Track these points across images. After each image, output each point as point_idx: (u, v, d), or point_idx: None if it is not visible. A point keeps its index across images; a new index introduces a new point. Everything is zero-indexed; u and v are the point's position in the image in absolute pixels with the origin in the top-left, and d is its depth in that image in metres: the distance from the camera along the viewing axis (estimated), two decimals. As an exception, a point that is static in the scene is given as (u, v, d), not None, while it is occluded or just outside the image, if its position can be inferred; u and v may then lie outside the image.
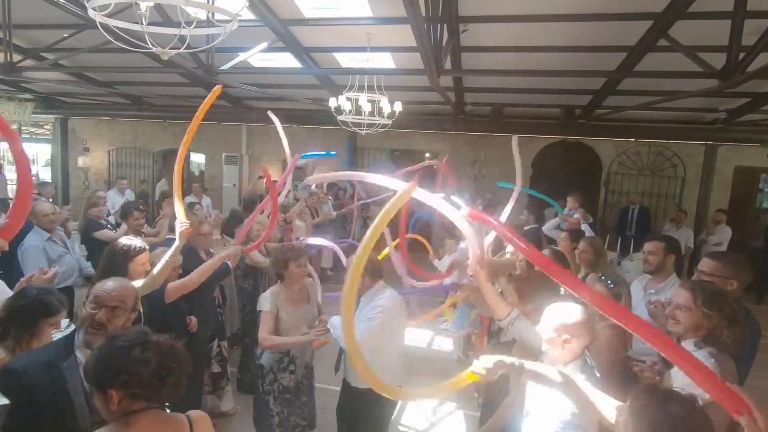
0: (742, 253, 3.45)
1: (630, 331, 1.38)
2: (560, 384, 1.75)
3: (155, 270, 2.46)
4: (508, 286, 2.56)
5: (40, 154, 13.99)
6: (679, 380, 1.92)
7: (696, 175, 8.78)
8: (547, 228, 5.55)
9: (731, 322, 1.86)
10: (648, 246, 3.01)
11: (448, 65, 5.53)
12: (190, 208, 5.03)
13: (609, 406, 1.66)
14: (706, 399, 1.82)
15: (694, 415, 1.26)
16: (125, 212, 4.47)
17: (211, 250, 3.62)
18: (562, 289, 2.87)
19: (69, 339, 1.72)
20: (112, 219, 5.26)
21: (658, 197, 9.13)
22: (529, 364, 1.79)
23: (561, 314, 1.89)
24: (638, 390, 1.35)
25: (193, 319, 3.03)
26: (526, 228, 5.88)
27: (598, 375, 1.90)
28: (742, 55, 4.23)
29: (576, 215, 5.31)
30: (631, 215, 8.37)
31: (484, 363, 1.68)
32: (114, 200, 7.15)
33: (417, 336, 5.42)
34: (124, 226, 4.44)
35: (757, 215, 9.51)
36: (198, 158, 12.11)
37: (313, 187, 7.89)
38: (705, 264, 2.41)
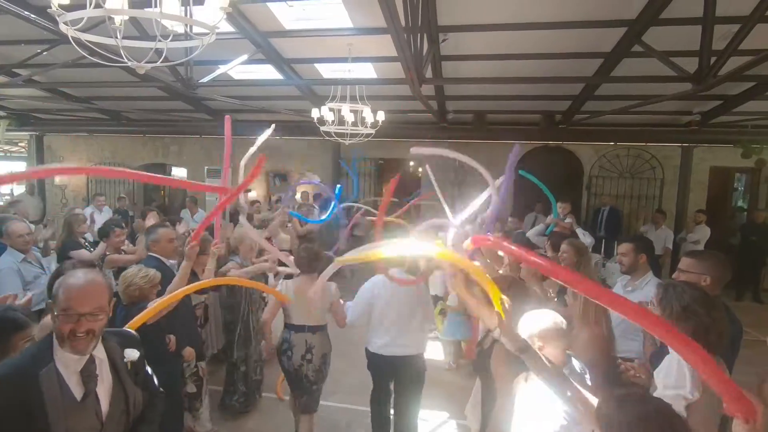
0: (720, 251, 3.55)
1: (631, 320, 1.33)
2: (553, 375, 1.73)
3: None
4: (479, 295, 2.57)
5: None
6: (661, 380, 1.93)
7: (674, 176, 8.99)
8: (532, 234, 5.59)
9: (678, 319, 1.86)
10: (620, 248, 3.22)
11: (429, 74, 5.57)
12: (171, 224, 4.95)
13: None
14: (689, 399, 1.84)
15: (656, 415, 1.26)
16: (106, 230, 4.37)
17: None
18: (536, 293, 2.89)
19: (46, 344, 1.58)
20: (89, 236, 5.12)
21: (639, 199, 9.31)
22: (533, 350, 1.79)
23: (531, 322, 1.93)
24: (602, 399, 1.36)
25: (172, 337, 2.95)
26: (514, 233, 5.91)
27: (589, 382, 1.89)
28: (713, 59, 4.36)
29: (568, 220, 5.39)
30: (601, 216, 8.45)
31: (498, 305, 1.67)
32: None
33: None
34: (101, 246, 4.33)
35: (733, 214, 9.76)
36: (180, 172, 11.94)
37: (298, 197, 7.83)
38: (682, 262, 2.57)
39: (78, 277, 1.58)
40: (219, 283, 3.31)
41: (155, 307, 2.34)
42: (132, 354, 1.74)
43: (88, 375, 1.58)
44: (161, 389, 1.92)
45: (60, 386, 1.52)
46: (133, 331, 1.91)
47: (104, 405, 1.62)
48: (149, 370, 1.90)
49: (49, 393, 1.49)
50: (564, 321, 1.94)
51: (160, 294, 2.76)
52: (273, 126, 3.59)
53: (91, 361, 1.60)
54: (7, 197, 10.76)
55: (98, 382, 1.61)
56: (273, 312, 3.34)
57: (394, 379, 3.32)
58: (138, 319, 2.21)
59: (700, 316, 1.82)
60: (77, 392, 1.55)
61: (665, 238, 7.60)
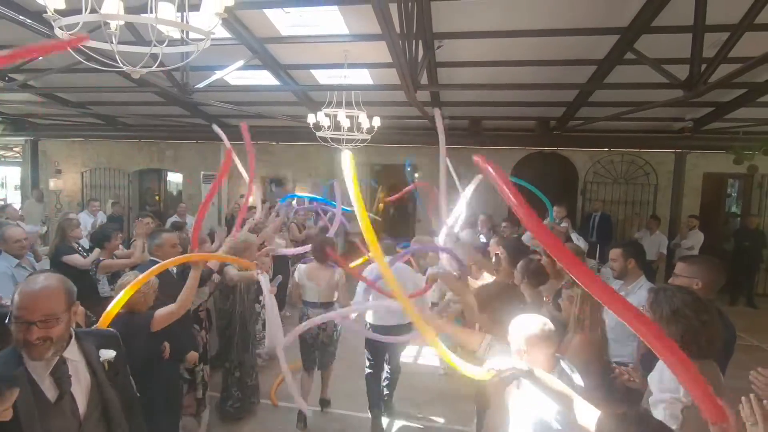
0: (714, 256, 3.58)
1: (622, 320, 1.34)
2: (560, 395, 1.73)
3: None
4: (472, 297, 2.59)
5: (10, 178, 13.55)
6: (655, 384, 1.93)
7: (667, 182, 9.05)
8: (527, 238, 5.60)
9: (668, 323, 1.86)
10: (610, 254, 3.27)
11: (424, 80, 5.61)
12: (175, 229, 4.91)
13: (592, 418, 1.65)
14: (685, 402, 1.84)
15: None
16: (106, 235, 4.34)
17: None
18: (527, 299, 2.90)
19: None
20: (84, 242, 5.07)
21: (633, 204, 9.36)
22: (538, 371, 1.77)
23: (516, 327, 1.93)
24: (602, 416, 1.37)
25: (166, 344, 2.92)
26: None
27: (580, 384, 1.89)
28: (704, 66, 4.42)
29: (563, 224, 5.42)
30: (592, 222, 8.51)
31: (498, 365, 1.68)
32: (86, 222, 6.94)
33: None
34: (96, 251, 4.30)
35: (726, 219, 9.83)
36: (175, 177, 11.91)
37: (294, 203, 7.84)
38: (677, 266, 2.63)
39: (36, 282, 1.53)
40: (187, 260, 3.03)
41: (124, 294, 2.24)
42: (107, 354, 1.69)
43: (59, 377, 1.55)
44: (157, 395, 1.89)
45: (32, 388, 1.50)
46: (112, 330, 1.85)
47: (81, 406, 1.60)
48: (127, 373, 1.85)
49: (21, 395, 1.46)
50: (552, 326, 1.94)
51: (157, 299, 2.73)
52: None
53: (62, 362, 1.57)
54: (0, 202, 10.69)
55: (74, 383, 1.58)
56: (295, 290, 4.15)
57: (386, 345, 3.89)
58: (111, 310, 2.16)
59: (690, 320, 1.82)
60: (51, 394, 1.53)
61: (659, 243, 7.64)
